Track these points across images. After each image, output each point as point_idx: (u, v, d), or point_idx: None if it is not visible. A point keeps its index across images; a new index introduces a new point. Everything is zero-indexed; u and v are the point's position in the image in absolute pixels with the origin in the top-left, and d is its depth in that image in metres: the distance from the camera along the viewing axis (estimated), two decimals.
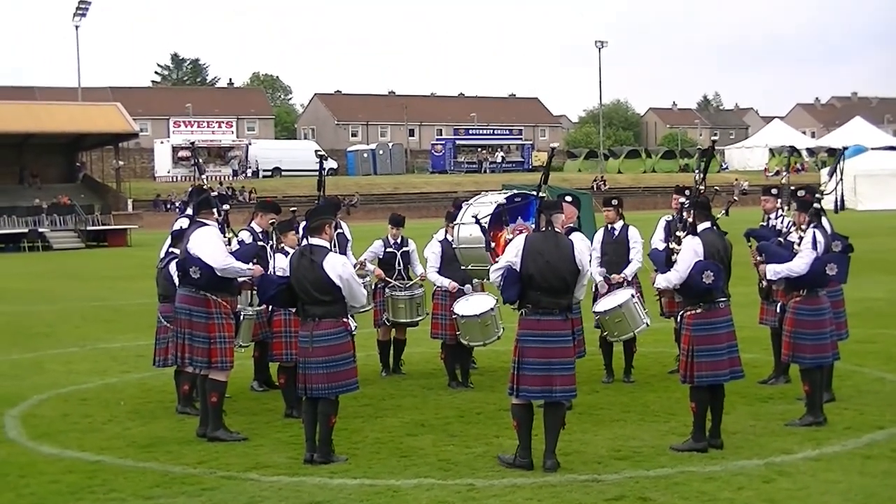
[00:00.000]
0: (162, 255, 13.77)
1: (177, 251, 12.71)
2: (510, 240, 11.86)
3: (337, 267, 10.90)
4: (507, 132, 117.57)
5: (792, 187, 14.82)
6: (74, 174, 72.00)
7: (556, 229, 10.85)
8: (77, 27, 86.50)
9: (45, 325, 23.36)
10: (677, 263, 11.14)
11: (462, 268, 14.31)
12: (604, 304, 14.60)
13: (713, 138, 13.17)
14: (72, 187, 68.48)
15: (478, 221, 13.36)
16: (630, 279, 14.83)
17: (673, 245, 11.47)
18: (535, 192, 11.91)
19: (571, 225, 13.41)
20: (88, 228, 58.42)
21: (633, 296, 14.47)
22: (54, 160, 71.16)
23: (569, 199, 13.82)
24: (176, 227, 13.59)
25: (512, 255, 10.71)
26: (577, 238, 12.65)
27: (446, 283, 15.11)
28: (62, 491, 10.13)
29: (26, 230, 55.97)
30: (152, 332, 14.30)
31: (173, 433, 12.50)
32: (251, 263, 12.39)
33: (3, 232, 55.96)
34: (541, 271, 10.51)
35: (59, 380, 16.25)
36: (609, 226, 15.19)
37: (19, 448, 11.98)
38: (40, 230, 56.17)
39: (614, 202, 15.28)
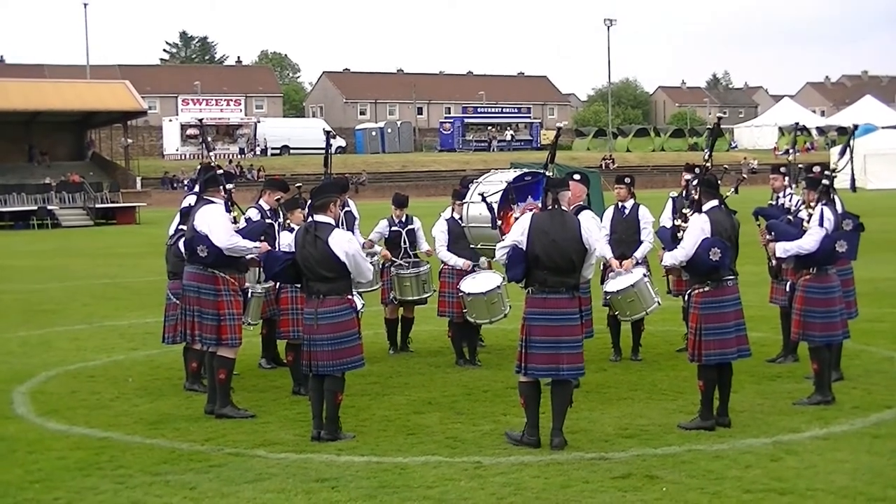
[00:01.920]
0: (171, 232, 13.77)
1: (186, 228, 12.71)
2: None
3: (343, 243, 10.88)
4: (516, 111, 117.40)
5: (800, 165, 14.81)
6: (83, 152, 71.97)
7: (563, 207, 10.81)
8: (86, 5, 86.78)
9: (53, 302, 23.40)
10: (684, 240, 11.11)
11: (471, 246, 14.29)
12: (616, 284, 14.53)
13: (719, 115, 13.11)
14: (81, 165, 68.47)
15: (484, 199, 13.33)
16: (640, 261, 14.77)
17: (679, 222, 11.44)
18: (543, 171, 11.88)
19: (581, 203, 13.37)
20: (97, 206, 58.44)
21: (644, 275, 14.44)
22: (63, 138, 71.11)
23: (577, 177, 13.73)
24: (185, 204, 13.59)
25: (518, 233, 10.68)
26: (587, 216, 12.61)
27: (460, 262, 15.07)
28: (70, 467, 10.15)
29: (35, 208, 56.01)
30: (160, 310, 14.32)
31: (181, 410, 12.51)
32: (258, 241, 12.38)
33: (13, 209, 56.01)
34: (546, 250, 10.48)
35: (68, 357, 16.28)
36: (620, 204, 15.13)
37: (27, 424, 12.01)
38: (49, 208, 56.23)
39: (627, 180, 15.21)
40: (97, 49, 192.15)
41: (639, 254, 14.75)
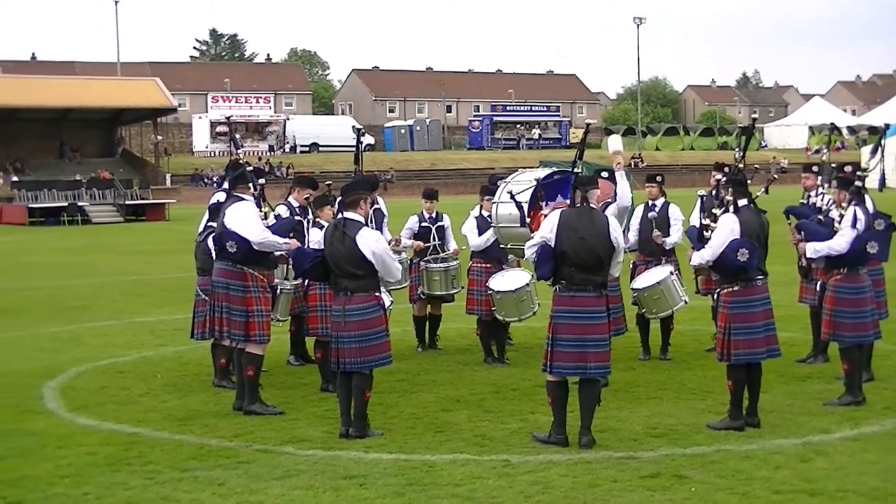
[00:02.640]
0: (200, 228, 13.81)
1: (215, 225, 12.73)
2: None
3: (370, 242, 10.88)
4: (545, 109, 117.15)
5: (833, 165, 14.74)
6: (113, 149, 72.27)
7: (592, 205, 10.80)
8: (117, 2, 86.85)
9: (82, 298, 23.48)
10: (712, 240, 11.09)
11: (501, 246, 14.29)
12: (642, 281, 14.54)
13: (753, 116, 13.06)
14: (111, 162, 68.73)
15: (512, 197, 13.32)
16: (670, 245, 14.75)
17: (707, 221, 11.42)
18: (571, 168, 11.86)
19: (609, 201, 13.34)
20: (127, 203, 58.57)
21: (671, 273, 14.41)
22: (94, 135, 71.45)
23: (605, 174, 13.71)
24: (213, 200, 13.62)
25: (546, 230, 10.66)
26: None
27: (482, 239, 15.03)
28: (99, 462, 10.19)
29: (66, 204, 56.16)
30: (189, 306, 14.36)
31: (209, 406, 12.55)
32: (287, 237, 12.40)
33: (43, 206, 56.15)
34: (574, 247, 10.46)
35: (97, 353, 16.34)
36: (650, 202, 15.14)
37: (57, 420, 12.07)
38: (80, 204, 56.38)
39: (658, 179, 15.28)
40: (128, 46, 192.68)
41: (669, 240, 14.74)
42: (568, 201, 10.97)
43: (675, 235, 14.82)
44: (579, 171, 11.38)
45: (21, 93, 66.79)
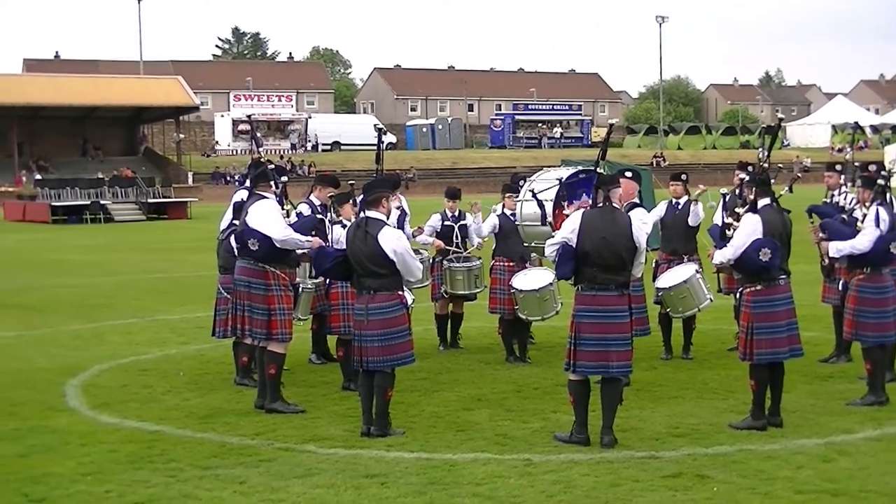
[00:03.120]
0: (223, 226, 13.81)
1: (237, 223, 12.74)
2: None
3: (392, 241, 10.88)
4: (567, 107, 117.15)
5: (856, 164, 14.69)
6: (136, 147, 72.54)
7: (615, 204, 10.78)
8: (140, 1, 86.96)
9: (105, 296, 23.55)
10: (734, 239, 11.06)
11: (524, 244, 14.28)
12: (668, 280, 14.48)
13: (779, 115, 13.00)
14: (133, 160, 69.04)
15: (535, 195, 13.31)
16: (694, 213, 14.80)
17: (730, 220, 11.38)
18: (594, 168, 11.85)
19: (634, 201, 13.33)
20: (149, 201, 58.76)
21: (697, 272, 14.37)
22: (116, 133, 71.82)
23: (628, 174, 13.71)
24: (236, 199, 13.63)
25: (568, 231, 10.65)
26: (638, 214, 12.60)
27: (486, 227, 15.16)
28: (121, 460, 10.22)
29: (88, 202, 56.34)
30: (211, 304, 14.38)
31: (231, 404, 12.57)
32: (309, 235, 12.40)
33: (66, 204, 56.34)
34: (597, 247, 10.44)
35: (119, 350, 16.39)
36: (674, 200, 15.14)
37: (80, 417, 12.10)
38: (102, 202, 56.56)
39: (683, 177, 15.32)
40: (150, 45, 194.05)
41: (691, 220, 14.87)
42: (590, 201, 10.95)
43: (694, 222, 14.88)
44: (602, 170, 11.37)
45: (44, 91, 67.21)
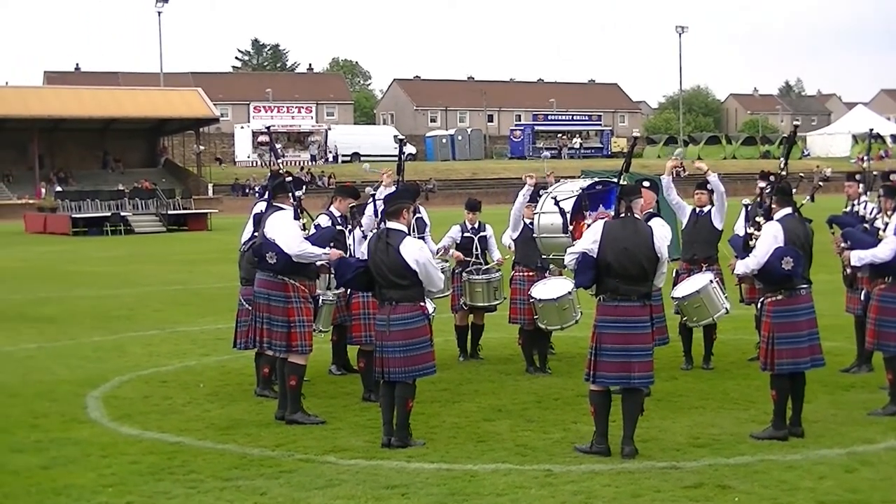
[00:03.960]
0: (245, 238, 13.83)
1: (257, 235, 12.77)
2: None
3: (414, 251, 10.88)
4: (587, 118, 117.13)
5: (875, 173, 14.64)
6: (156, 159, 72.79)
7: (636, 215, 10.77)
8: (160, 13, 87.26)
9: (126, 308, 23.61)
10: (756, 248, 11.04)
11: (542, 256, 14.25)
12: (682, 290, 14.49)
13: (795, 124, 12.98)
14: (153, 172, 69.30)
15: (557, 203, 13.30)
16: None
17: (752, 230, 11.36)
18: (615, 179, 11.84)
19: (651, 211, 13.32)
20: (169, 212, 58.93)
21: (711, 281, 14.35)
22: (136, 145, 72.12)
23: (647, 184, 13.71)
24: (256, 210, 13.65)
25: (589, 241, 10.64)
26: (657, 224, 12.58)
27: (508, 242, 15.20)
28: (142, 471, 10.23)
29: (109, 214, 56.53)
30: (231, 316, 14.41)
31: (252, 416, 12.58)
32: (328, 247, 12.41)
33: (87, 216, 56.56)
34: (619, 258, 10.43)
35: (140, 362, 16.42)
36: (697, 209, 15.14)
37: (101, 428, 12.12)
38: (123, 214, 56.75)
39: (708, 186, 15.24)
40: (170, 57, 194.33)
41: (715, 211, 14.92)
42: (609, 211, 10.94)
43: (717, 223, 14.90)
44: (623, 181, 11.37)
45: (65, 103, 67.53)
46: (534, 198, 14.60)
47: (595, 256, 10.50)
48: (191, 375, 15.23)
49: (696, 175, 14.94)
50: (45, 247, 45.37)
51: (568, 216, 13.25)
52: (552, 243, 13.57)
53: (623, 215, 10.67)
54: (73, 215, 56.20)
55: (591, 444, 10.56)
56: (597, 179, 14.32)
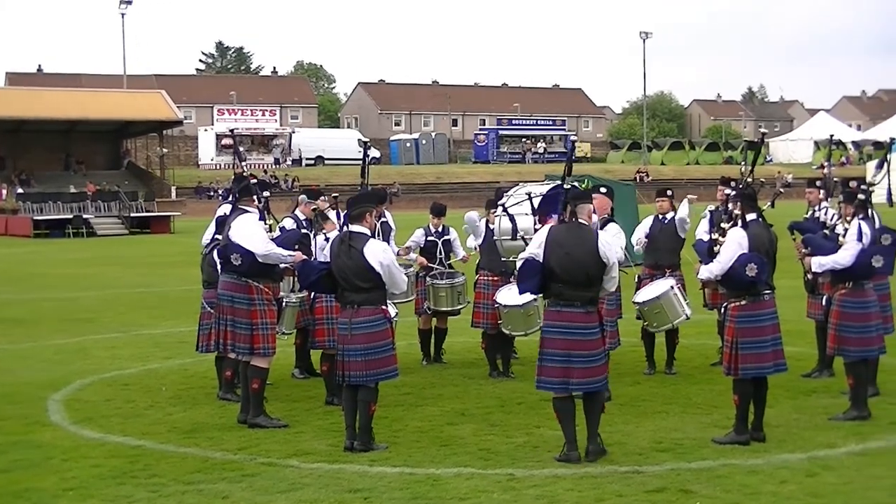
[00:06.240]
0: (207, 241, 13.81)
1: (221, 237, 12.74)
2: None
3: (378, 253, 10.87)
4: (551, 123, 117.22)
5: (836, 179, 14.72)
6: (119, 161, 72.35)
7: (582, 220, 10.67)
8: (123, 15, 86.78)
9: (89, 310, 23.51)
10: (720, 254, 11.07)
11: (503, 259, 14.26)
12: (643, 295, 14.56)
13: (762, 131, 13.02)
14: (116, 174, 68.84)
15: (505, 210, 13.38)
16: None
17: (716, 236, 11.40)
18: (560, 183, 11.79)
19: (606, 216, 13.38)
20: (132, 215, 58.68)
21: (672, 287, 14.40)
22: (100, 147, 71.57)
23: (603, 190, 13.81)
24: (219, 213, 13.64)
25: (535, 246, 10.61)
26: (612, 230, 12.66)
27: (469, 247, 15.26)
28: (104, 475, 10.18)
29: (71, 216, 56.26)
30: (195, 319, 14.37)
31: (214, 419, 12.54)
32: (293, 250, 12.40)
33: (49, 218, 56.32)
34: (561, 263, 10.37)
35: (103, 365, 16.35)
36: (660, 215, 15.20)
37: (62, 432, 12.06)
38: (85, 216, 56.48)
39: (669, 193, 15.41)
40: (134, 59, 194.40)
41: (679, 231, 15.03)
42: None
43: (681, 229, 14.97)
44: (569, 186, 11.27)
45: (27, 105, 66.95)
46: (492, 204, 14.62)
47: (540, 262, 10.47)
48: (153, 379, 15.17)
49: (658, 180, 15.03)
50: (6, 249, 45.14)
51: (519, 220, 13.31)
52: (512, 246, 13.60)
53: (568, 221, 10.62)
54: (35, 217, 55.95)
55: (562, 451, 10.50)
56: (558, 183, 14.34)
